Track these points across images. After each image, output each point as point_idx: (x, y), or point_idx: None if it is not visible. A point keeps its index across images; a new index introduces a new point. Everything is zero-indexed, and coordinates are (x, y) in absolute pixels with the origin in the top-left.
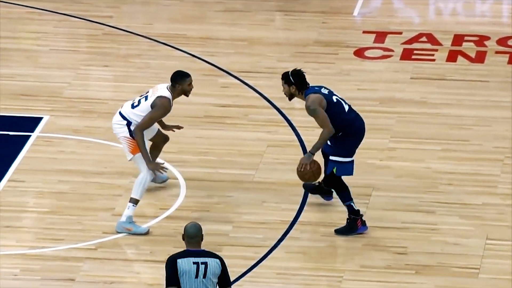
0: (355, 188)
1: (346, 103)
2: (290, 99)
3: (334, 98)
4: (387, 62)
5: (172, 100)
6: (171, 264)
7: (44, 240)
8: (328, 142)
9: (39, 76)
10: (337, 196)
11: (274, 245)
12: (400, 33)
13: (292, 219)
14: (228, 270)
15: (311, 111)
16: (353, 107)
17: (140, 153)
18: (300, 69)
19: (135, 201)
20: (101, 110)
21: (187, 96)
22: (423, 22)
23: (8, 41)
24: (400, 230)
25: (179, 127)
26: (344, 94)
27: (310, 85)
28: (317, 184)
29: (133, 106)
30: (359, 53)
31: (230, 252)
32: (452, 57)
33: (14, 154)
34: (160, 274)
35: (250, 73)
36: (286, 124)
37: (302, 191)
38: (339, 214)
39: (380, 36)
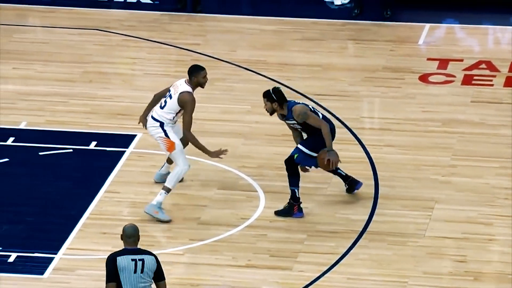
0: (419, 201)
1: (318, 112)
2: (271, 114)
3: (310, 106)
4: (449, 86)
5: (193, 92)
6: (112, 262)
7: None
8: (304, 135)
9: (134, 98)
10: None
11: (345, 252)
12: (462, 60)
13: (361, 229)
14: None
15: (304, 116)
16: (414, 129)
17: (175, 151)
18: (279, 87)
19: (167, 190)
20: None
21: (203, 87)
22: (483, 50)
23: (107, 66)
24: (460, 240)
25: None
26: (409, 115)
27: (288, 100)
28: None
29: (161, 107)
30: (424, 78)
31: (304, 259)
32: (509, 82)
33: (111, 168)
34: (241, 277)
35: (324, 95)
36: (356, 142)
37: (371, 203)
38: (406, 225)
39: (443, 63)
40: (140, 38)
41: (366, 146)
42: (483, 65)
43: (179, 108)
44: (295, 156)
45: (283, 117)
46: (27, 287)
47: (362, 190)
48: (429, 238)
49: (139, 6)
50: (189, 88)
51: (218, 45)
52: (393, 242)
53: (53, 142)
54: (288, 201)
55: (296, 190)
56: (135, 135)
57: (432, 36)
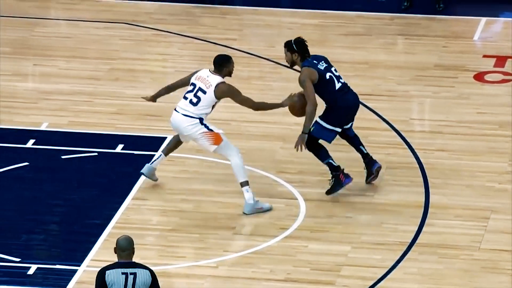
0: (474, 211)
1: (340, 81)
2: (291, 66)
3: (328, 75)
4: (507, 86)
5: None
6: (100, 276)
7: (167, 257)
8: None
9: (164, 97)
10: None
11: (393, 266)
12: None
13: (410, 241)
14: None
15: (300, 82)
16: (468, 132)
17: (222, 142)
18: (302, 38)
19: (246, 183)
20: (223, 131)
21: (231, 76)
22: None
23: (135, 63)
24: None
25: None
26: (463, 117)
27: (311, 56)
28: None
29: (195, 104)
30: (479, 77)
31: (348, 272)
32: None
33: (139, 173)
34: None
35: (370, 95)
36: (405, 146)
37: (421, 212)
38: (458, 237)
39: (500, 60)
40: (170, 32)
41: (416, 150)
42: None
43: (215, 101)
44: (312, 128)
45: None
46: None
47: (411, 199)
48: (484, 251)
49: None
50: (221, 79)
51: (255, 40)
52: (445, 255)
53: (77, 145)
54: (331, 176)
55: (330, 161)
56: (165, 138)
57: (488, 31)
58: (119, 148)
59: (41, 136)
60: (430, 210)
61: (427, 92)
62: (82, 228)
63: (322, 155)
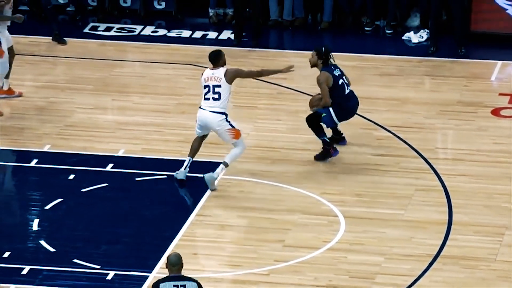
0: (491, 228)
1: (348, 87)
2: (312, 66)
3: (340, 81)
4: None
5: None
6: None
7: (225, 266)
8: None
9: None
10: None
11: (420, 274)
12: None
13: (435, 253)
14: None
15: (318, 83)
16: (485, 160)
17: (240, 137)
18: (330, 48)
19: (227, 165)
20: (274, 157)
21: (225, 65)
22: None
23: (199, 98)
24: None
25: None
26: (481, 147)
27: (330, 63)
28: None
29: (218, 99)
30: (496, 112)
31: (382, 280)
32: None
33: (202, 193)
34: None
35: (401, 127)
36: (432, 172)
37: (445, 228)
38: (478, 250)
39: None
40: None
41: (441, 175)
42: None
43: (230, 87)
44: (323, 115)
45: None
46: None
47: (436, 217)
48: (499, 262)
49: (229, 43)
50: (223, 68)
51: (302, 79)
52: (466, 266)
53: (149, 169)
54: (322, 147)
55: (325, 138)
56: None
57: (503, 72)
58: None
59: (118, 161)
60: (453, 226)
61: (450, 125)
62: (153, 240)
63: (321, 133)
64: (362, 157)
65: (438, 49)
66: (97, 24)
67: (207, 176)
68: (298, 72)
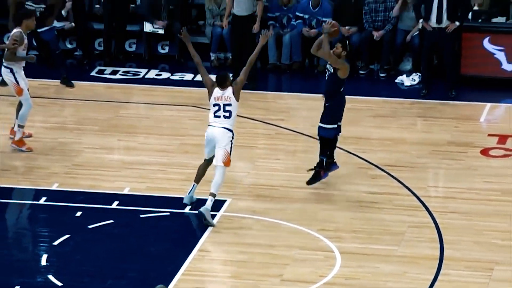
0: (481, 263)
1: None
2: (337, 57)
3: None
4: (508, 160)
5: None
6: None
7: None
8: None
9: None
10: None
11: None
12: None
13: (428, 287)
14: None
15: (339, 64)
16: (476, 197)
17: (229, 165)
18: (352, 45)
19: (214, 195)
20: (273, 195)
21: (231, 85)
22: None
23: (201, 139)
24: None
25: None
26: (472, 185)
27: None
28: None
29: (229, 117)
30: (485, 152)
31: None
32: None
33: (203, 229)
34: None
35: (395, 166)
36: (424, 209)
37: (437, 263)
38: (468, 284)
39: (502, 138)
40: None
41: (432, 212)
42: None
43: (237, 105)
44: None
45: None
46: None
47: (429, 252)
48: None
49: None
50: (231, 88)
51: (301, 121)
52: None
53: (153, 206)
54: (314, 167)
55: (323, 159)
56: (225, 200)
57: (492, 114)
58: (187, 209)
59: (124, 199)
60: (444, 262)
61: (442, 164)
62: (157, 274)
63: (325, 153)
64: (357, 195)
65: (430, 92)
66: (103, 68)
67: (202, 209)
68: (296, 113)
